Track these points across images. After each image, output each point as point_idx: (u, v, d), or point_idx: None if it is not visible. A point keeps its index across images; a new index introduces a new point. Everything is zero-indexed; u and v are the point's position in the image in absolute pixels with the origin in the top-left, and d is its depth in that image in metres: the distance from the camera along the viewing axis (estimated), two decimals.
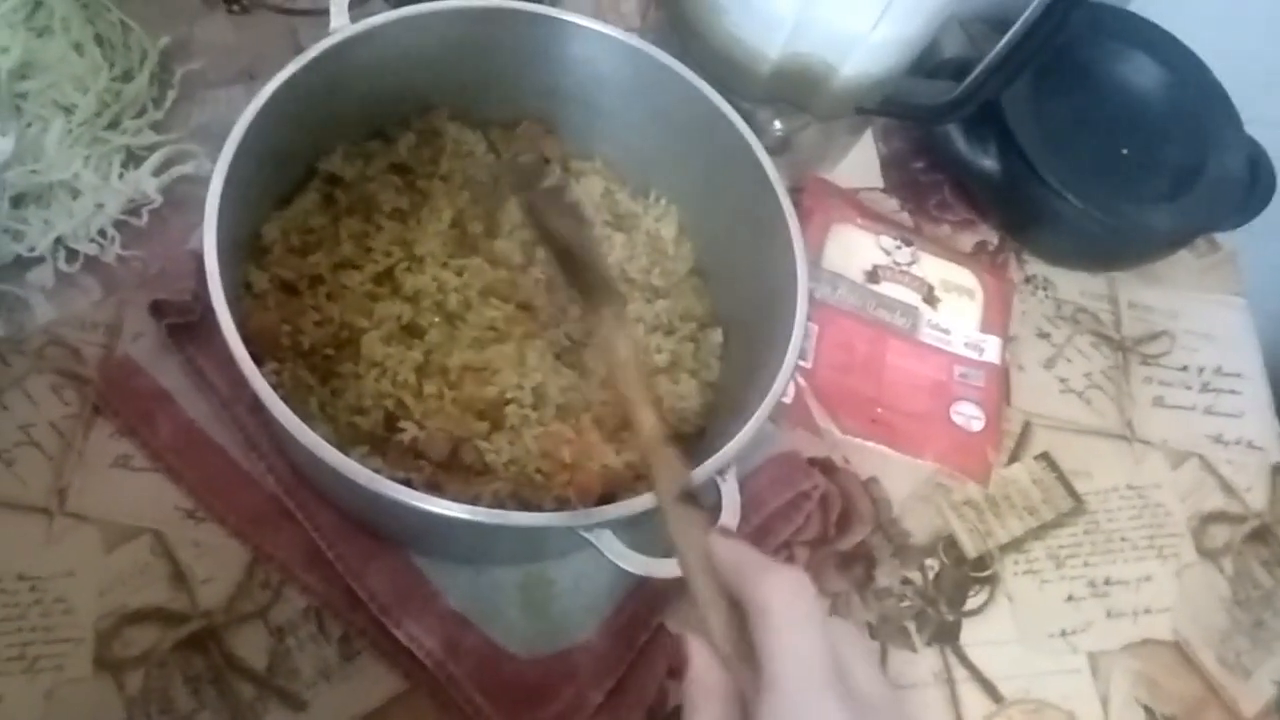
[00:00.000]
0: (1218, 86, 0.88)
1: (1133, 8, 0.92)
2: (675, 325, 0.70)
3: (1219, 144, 0.85)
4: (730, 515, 0.55)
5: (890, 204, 0.87)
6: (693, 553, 0.41)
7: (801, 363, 0.74)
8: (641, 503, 0.53)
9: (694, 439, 0.67)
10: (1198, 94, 0.87)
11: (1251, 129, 0.87)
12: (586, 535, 0.52)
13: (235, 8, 0.79)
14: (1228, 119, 0.87)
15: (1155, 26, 0.89)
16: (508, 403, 0.63)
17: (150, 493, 0.62)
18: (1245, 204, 0.84)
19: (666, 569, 0.53)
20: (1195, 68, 0.88)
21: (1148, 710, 0.71)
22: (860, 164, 0.88)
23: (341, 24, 0.62)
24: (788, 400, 0.73)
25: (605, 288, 0.55)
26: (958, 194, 0.88)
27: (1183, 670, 0.74)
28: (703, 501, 0.44)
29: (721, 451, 0.55)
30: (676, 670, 0.62)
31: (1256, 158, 0.86)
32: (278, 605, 0.61)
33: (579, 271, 0.56)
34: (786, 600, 0.37)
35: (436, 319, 0.64)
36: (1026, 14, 0.67)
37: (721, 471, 0.56)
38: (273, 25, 0.80)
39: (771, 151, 0.66)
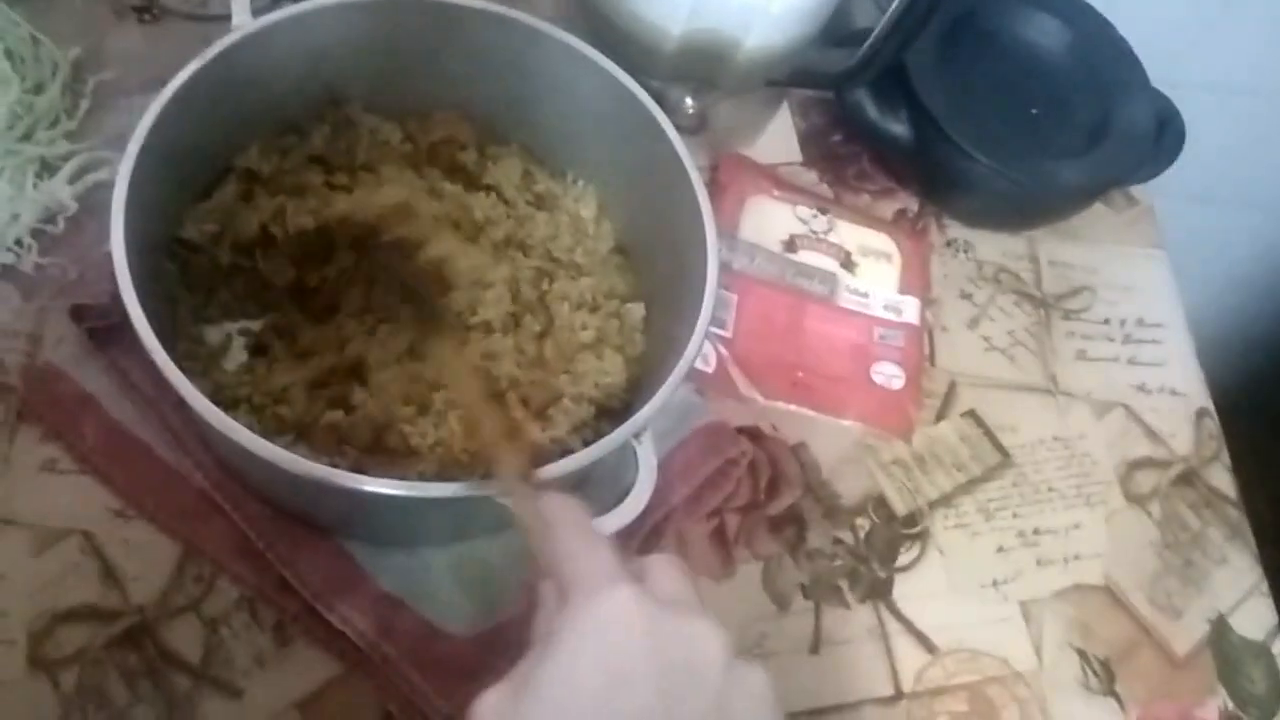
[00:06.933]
0: (1123, 43, 0.90)
1: None
2: (599, 302, 0.71)
3: (1126, 99, 0.87)
4: (646, 477, 0.56)
5: (809, 177, 0.88)
6: (530, 517, 0.46)
7: (721, 332, 0.75)
8: (561, 467, 0.54)
9: (620, 414, 0.68)
10: (1103, 51, 0.89)
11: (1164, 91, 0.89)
12: (507, 503, 0.52)
13: (146, 17, 0.80)
14: (1133, 74, 0.88)
15: None
16: (436, 389, 0.64)
17: (78, 494, 0.62)
18: (1154, 156, 0.86)
19: None
20: (1099, 25, 0.90)
21: (1081, 654, 0.73)
22: (778, 139, 0.89)
23: (243, 21, 0.62)
24: (709, 369, 0.74)
25: (448, 323, 0.64)
26: (875, 164, 0.90)
27: (1114, 613, 0.75)
28: (539, 481, 0.50)
29: (635, 416, 0.56)
30: None
31: (1164, 110, 0.88)
32: (210, 597, 0.61)
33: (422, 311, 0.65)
34: (559, 513, 0.45)
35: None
36: None
37: (637, 435, 0.57)
38: (184, 33, 0.80)
39: (688, 130, 0.67)
